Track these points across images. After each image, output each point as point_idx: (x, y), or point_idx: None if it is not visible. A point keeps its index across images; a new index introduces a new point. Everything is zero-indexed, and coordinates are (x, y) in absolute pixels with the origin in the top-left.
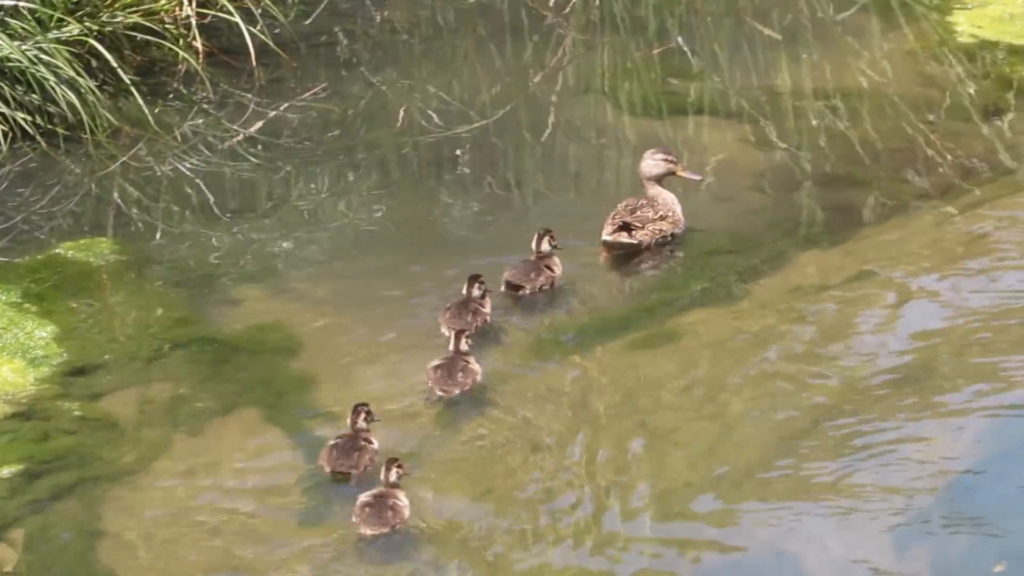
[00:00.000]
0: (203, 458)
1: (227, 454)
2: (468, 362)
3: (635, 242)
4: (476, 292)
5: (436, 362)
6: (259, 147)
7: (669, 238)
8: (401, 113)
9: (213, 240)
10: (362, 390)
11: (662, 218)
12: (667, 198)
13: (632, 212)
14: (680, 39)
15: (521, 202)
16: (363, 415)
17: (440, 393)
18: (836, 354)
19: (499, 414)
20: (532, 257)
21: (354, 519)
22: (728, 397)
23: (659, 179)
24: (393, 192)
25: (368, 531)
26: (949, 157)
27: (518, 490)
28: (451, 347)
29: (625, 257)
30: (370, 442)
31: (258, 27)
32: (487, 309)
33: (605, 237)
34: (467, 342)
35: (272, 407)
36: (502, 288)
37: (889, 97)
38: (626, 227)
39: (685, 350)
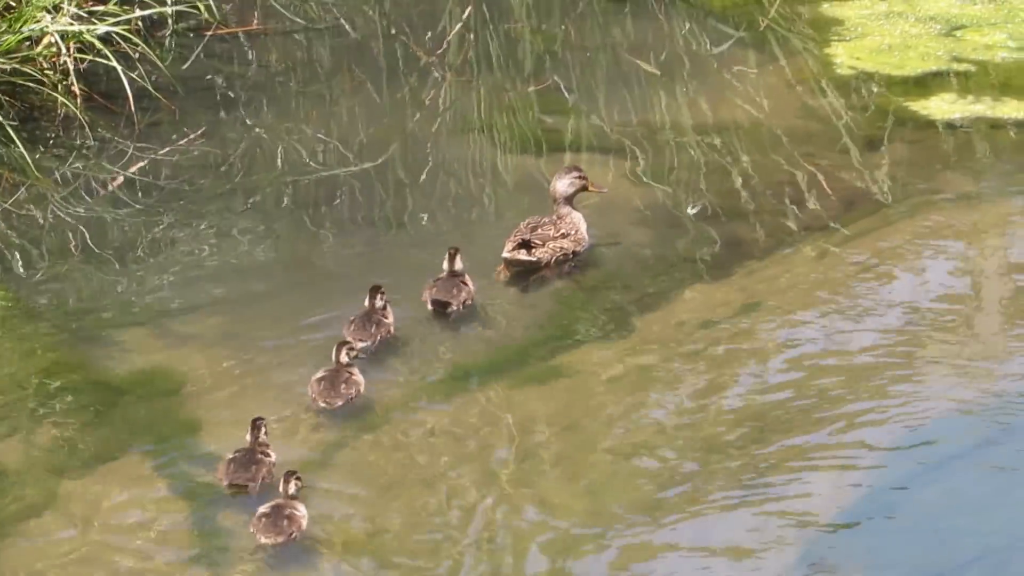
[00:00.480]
0: (93, 504)
1: (117, 499)
2: (352, 374)
3: (534, 260)
4: (379, 303)
5: (319, 374)
6: (139, 191)
7: (570, 256)
8: (280, 155)
9: (97, 284)
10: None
11: (564, 236)
12: (575, 217)
13: (533, 230)
14: (556, 76)
15: (402, 239)
16: (263, 429)
17: (323, 405)
18: (723, 391)
19: (392, 441)
20: (444, 275)
21: (252, 530)
22: (616, 435)
23: (571, 198)
24: (274, 233)
25: (264, 539)
26: (830, 190)
27: (411, 508)
28: (333, 359)
29: (519, 283)
30: (268, 455)
31: (136, 72)
32: (390, 320)
33: (504, 255)
34: (349, 354)
35: (161, 450)
36: (429, 307)
37: (769, 130)
38: (526, 245)
39: (575, 386)
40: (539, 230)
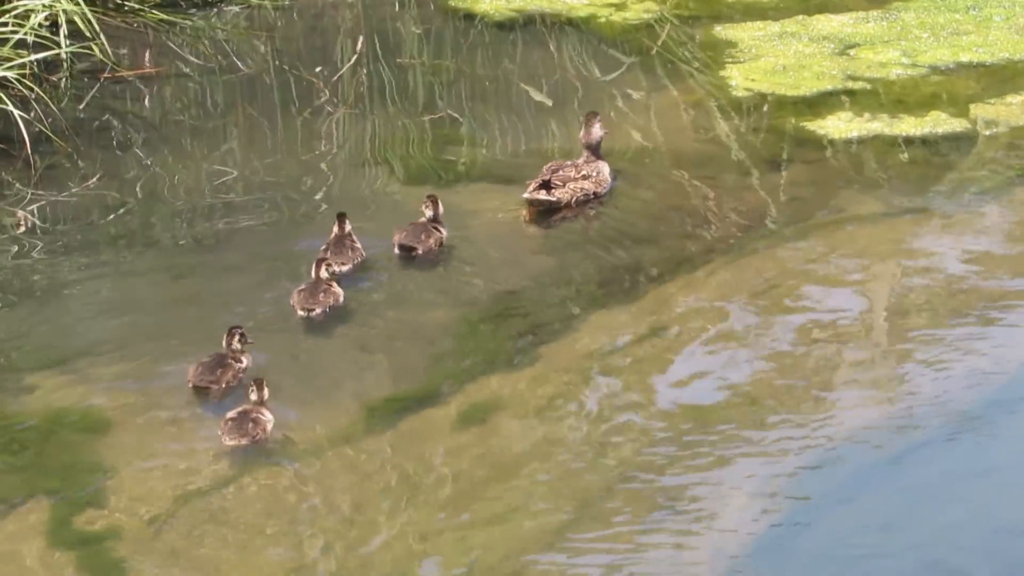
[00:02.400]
0: (5, 547)
1: (31, 545)
2: (331, 286)
3: (553, 199)
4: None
5: (300, 286)
6: (40, 234)
7: (591, 196)
8: (178, 193)
9: (2, 328)
10: (164, 466)
11: (584, 177)
12: (599, 163)
13: (554, 172)
14: (449, 108)
15: (301, 273)
16: (237, 337)
17: (301, 312)
18: (632, 417)
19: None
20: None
21: (219, 432)
22: (529, 466)
23: (598, 144)
24: (175, 271)
25: (229, 441)
26: (731, 212)
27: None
28: (312, 274)
29: (540, 219)
30: (238, 360)
31: (32, 115)
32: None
33: (524, 195)
34: (328, 270)
35: (73, 493)
36: (396, 251)
37: (667, 154)
38: (546, 185)
39: (487, 419)
40: (560, 172)
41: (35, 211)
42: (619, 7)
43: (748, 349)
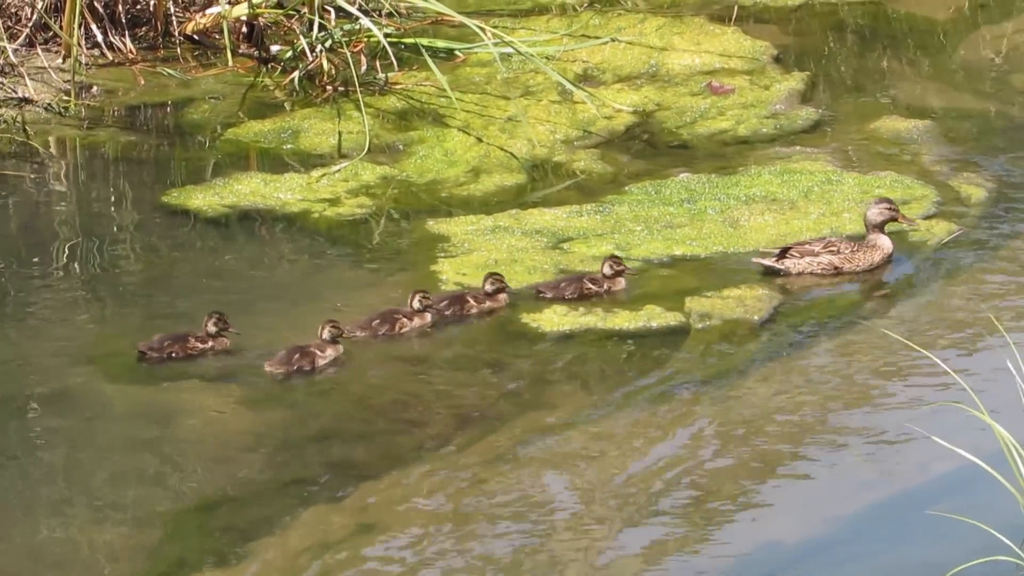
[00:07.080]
0: None
1: None
2: None
3: (777, 267)
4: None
5: None
6: None
7: (830, 270)
8: None
9: None
10: None
11: (830, 252)
12: (873, 241)
13: (803, 244)
14: (160, 306)
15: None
16: (214, 318)
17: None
18: None
19: None
20: None
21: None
22: None
23: (881, 226)
24: None
25: (269, 368)
26: (448, 407)
27: None
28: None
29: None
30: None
31: None
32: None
33: (756, 259)
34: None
35: None
36: None
37: (379, 351)
38: (784, 252)
39: None
40: (807, 245)
41: None
42: (332, 202)
43: (460, 551)
